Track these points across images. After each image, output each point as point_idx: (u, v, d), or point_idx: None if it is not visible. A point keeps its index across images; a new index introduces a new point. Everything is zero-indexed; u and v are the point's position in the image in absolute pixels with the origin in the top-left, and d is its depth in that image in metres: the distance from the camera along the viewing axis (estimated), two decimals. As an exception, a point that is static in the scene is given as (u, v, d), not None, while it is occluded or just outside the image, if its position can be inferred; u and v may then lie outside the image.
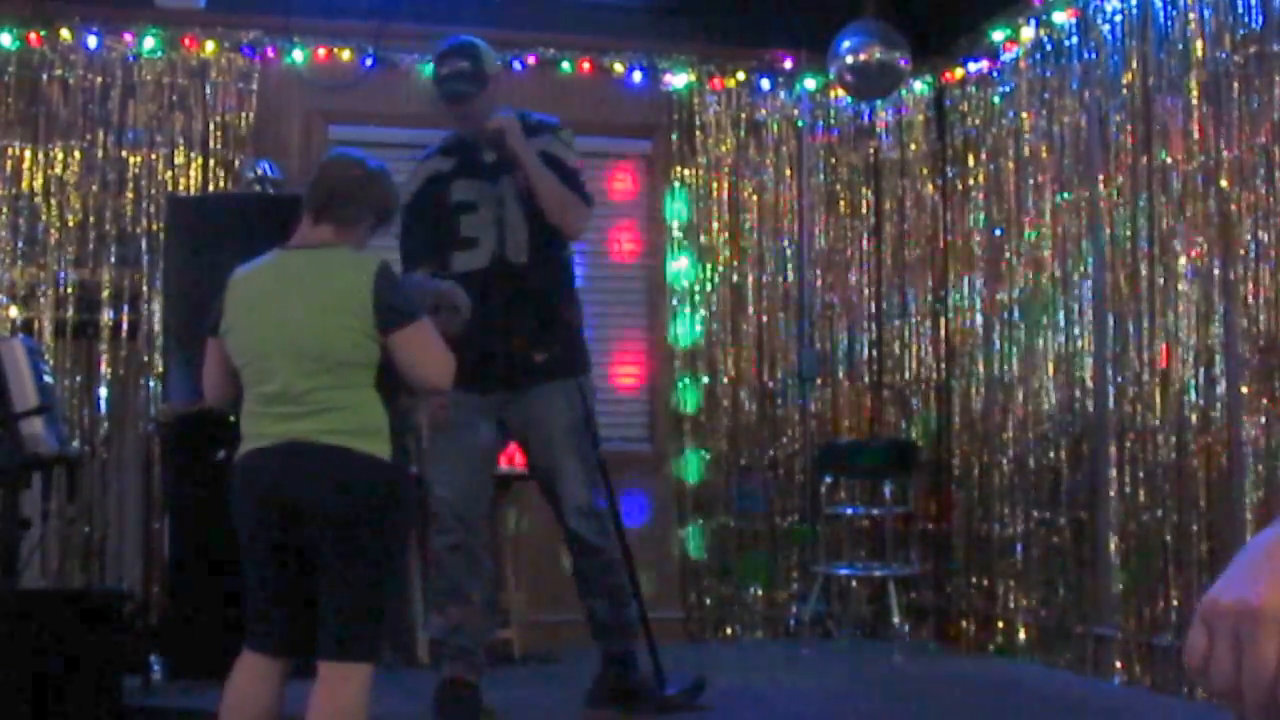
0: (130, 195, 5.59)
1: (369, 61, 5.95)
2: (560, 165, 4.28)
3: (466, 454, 4.31)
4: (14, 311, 5.42)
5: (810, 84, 6.36)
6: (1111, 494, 5.03)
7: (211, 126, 5.72)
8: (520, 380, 4.28)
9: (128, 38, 5.65)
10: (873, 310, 6.44)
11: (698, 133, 6.25)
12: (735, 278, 6.25)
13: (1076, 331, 5.33)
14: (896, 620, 5.85)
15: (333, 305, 2.91)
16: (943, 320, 6.31)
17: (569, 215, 4.26)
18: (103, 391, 5.50)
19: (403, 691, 4.94)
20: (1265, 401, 4.30)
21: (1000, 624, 5.74)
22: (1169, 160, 4.77)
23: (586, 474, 4.32)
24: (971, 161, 6.10)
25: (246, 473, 3.00)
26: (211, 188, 5.65)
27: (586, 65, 6.19)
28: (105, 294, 5.51)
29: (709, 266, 6.21)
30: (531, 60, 6.13)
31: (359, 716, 2.89)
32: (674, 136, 6.25)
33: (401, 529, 3.08)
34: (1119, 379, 5.02)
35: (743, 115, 6.34)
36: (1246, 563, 0.91)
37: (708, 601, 6.09)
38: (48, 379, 4.24)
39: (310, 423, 2.90)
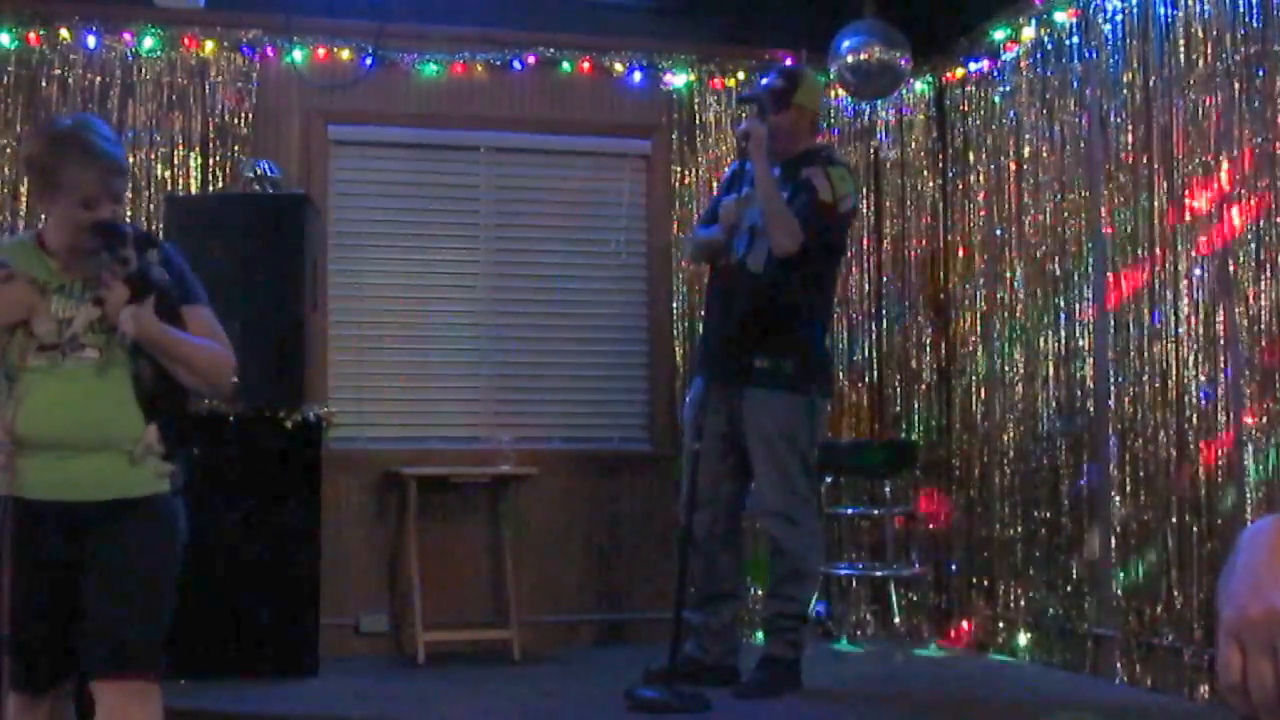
0: (129, 194, 5.58)
1: (368, 61, 5.94)
2: (805, 187, 4.64)
3: (702, 446, 4.65)
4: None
5: (810, 83, 6.35)
6: (1111, 494, 5.03)
7: (210, 126, 5.71)
8: (740, 379, 4.65)
9: (127, 37, 5.65)
10: (873, 310, 6.43)
11: (698, 133, 6.24)
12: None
13: (1076, 331, 5.32)
14: (897, 620, 5.84)
15: None
16: (943, 320, 6.30)
17: (775, 231, 4.57)
18: (102, 391, 5.48)
19: (402, 691, 4.94)
20: (1266, 401, 4.29)
21: (1000, 624, 5.73)
22: (1169, 160, 4.77)
23: (782, 481, 4.64)
24: (972, 161, 6.09)
25: None
26: (210, 187, 5.64)
27: (586, 65, 6.19)
28: (104, 293, 5.50)
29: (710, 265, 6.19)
30: (531, 60, 6.12)
31: None
32: (674, 136, 6.24)
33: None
34: (1119, 379, 5.01)
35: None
36: (1261, 566, 0.88)
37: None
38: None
39: None
